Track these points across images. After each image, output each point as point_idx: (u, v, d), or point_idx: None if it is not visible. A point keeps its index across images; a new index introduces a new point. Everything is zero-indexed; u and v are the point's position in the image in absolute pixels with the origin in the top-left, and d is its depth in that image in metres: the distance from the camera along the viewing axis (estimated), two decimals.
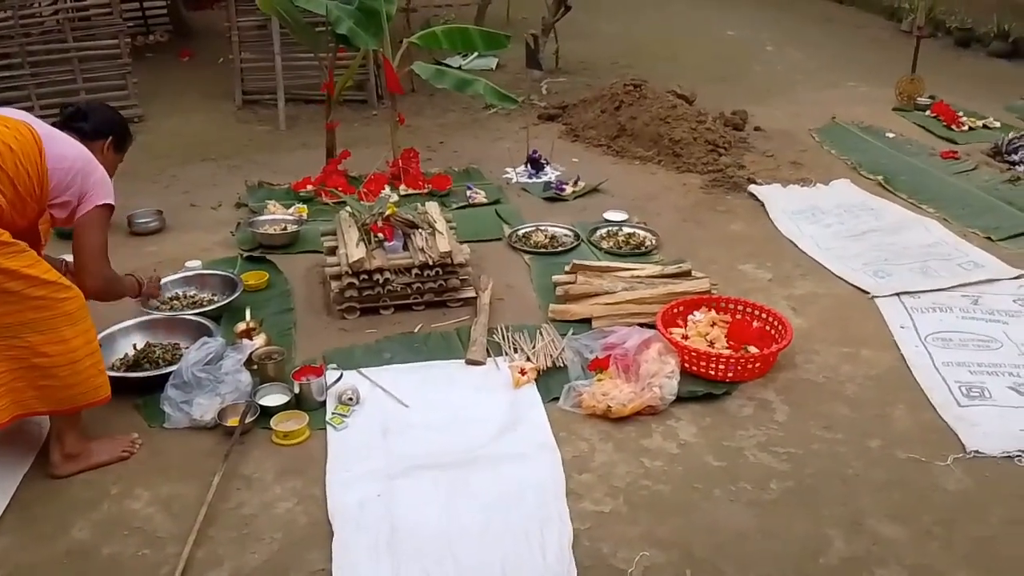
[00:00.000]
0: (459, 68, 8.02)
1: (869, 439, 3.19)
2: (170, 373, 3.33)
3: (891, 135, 6.66)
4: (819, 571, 2.60)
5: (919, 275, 4.37)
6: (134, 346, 3.68)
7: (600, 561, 2.63)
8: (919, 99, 7.36)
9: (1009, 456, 3.08)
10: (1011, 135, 6.25)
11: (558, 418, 3.31)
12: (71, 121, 3.15)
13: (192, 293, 4.22)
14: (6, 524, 2.80)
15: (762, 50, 9.90)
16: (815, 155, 6.35)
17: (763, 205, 5.37)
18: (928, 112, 7.15)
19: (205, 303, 4.09)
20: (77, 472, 3.01)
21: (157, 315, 3.88)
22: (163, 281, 4.13)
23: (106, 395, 3.02)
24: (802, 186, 5.67)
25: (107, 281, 3.16)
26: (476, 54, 8.89)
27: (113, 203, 3.06)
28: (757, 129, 6.84)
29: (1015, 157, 6.02)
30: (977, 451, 3.10)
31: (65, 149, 2.96)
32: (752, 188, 5.60)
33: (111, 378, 3.29)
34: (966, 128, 6.77)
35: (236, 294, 4.07)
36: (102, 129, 3.24)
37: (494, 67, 9.07)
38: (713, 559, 2.64)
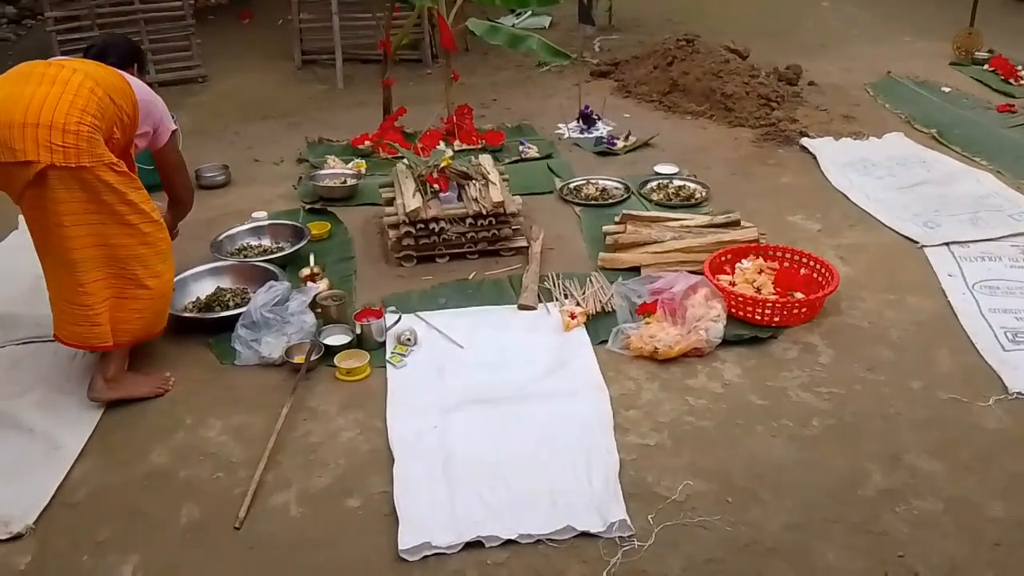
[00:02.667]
0: (512, 27, 8.08)
1: (911, 380, 3.26)
2: (240, 314, 3.50)
3: (947, 89, 6.60)
4: (856, 500, 2.70)
5: (969, 225, 4.38)
6: (216, 287, 3.88)
7: (645, 489, 2.75)
8: (977, 53, 7.25)
9: None
10: None
11: (606, 359, 3.42)
12: (99, 60, 3.24)
13: (258, 243, 4.38)
14: (90, 448, 3.01)
15: (817, 5, 9.77)
16: (868, 109, 6.32)
17: (814, 158, 5.38)
18: (985, 66, 7.05)
19: (273, 251, 4.27)
20: (116, 399, 3.18)
21: (228, 262, 4.06)
22: (238, 229, 4.41)
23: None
24: (855, 139, 5.67)
25: (193, 190, 3.78)
26: (529, 12, 8.95)
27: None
28: (811, 84, 6.80)
29: None
30: (1019, 392, 3.14)
31: (134, 82, 3.17)
32: (804, 141, 5.61)
33: (185, 319, 3.53)
34: None
35: (303, 243, 4.22)
36: (127, 58, 3.41)
37: (547, 25, 9.10)
38: (753, 488, 2.75)
